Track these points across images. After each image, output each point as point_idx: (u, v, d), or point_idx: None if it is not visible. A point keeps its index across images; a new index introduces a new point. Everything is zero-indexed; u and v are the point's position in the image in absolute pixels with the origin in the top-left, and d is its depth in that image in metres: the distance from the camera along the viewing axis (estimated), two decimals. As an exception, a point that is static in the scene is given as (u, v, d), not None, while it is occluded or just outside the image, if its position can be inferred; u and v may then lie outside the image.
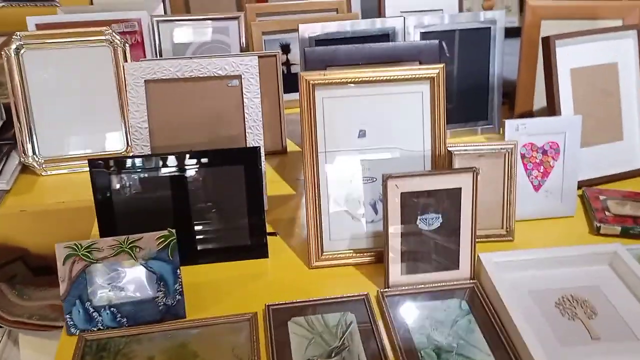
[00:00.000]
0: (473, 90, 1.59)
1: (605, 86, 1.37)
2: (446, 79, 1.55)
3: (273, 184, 1.41)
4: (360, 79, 1.09)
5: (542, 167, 1.24)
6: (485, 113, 1.61)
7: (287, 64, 1.75)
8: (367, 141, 1.12)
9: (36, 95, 1.42)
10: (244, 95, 1.27)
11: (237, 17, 1.65)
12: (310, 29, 1.44)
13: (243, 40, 1.66)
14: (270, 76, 1.51)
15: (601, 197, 1.28)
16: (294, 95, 1.27)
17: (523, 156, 1.23)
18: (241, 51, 1.66)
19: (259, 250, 1.15)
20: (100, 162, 1.08)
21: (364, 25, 1.47)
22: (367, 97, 1.11)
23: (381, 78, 1.09)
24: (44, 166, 1.45)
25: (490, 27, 1.54)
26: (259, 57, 1.47)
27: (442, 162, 1.14)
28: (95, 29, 1.40)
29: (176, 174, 1.10)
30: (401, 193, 1.03)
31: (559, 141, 1.23)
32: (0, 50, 1.39)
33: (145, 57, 1.64)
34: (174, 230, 0.99)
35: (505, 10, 2.02)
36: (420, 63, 1.28)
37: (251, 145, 1.28)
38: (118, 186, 1.09)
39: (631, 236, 1.18)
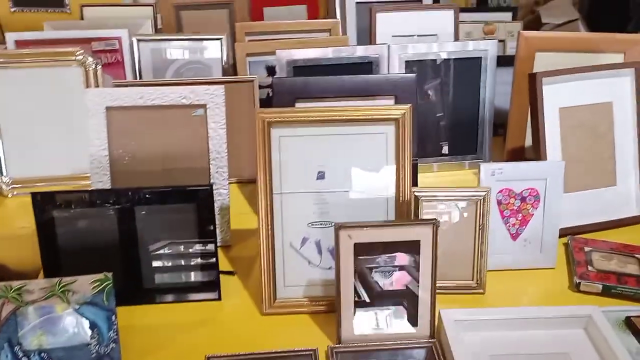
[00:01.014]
0: (462, 123, 1.51)
1: (597, 127, 1.28)
2: (434, 110, 1.49)
3: (242, 216, 1.35)
4: (319, 118, 1.02)
5: (520, 214, 1.15)
6: (475, 146, 1.53)
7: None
8: (326, 183, 1.05)
9: (5, 114, 1.39)
10: (209, 126, 1.22)
11: (219, 38, 1.60)
12: (289, 55, 1.38)
13: (224, 61, 1.60)
14: (248, 101, 1.46)
15: (586, 249, 1.19)
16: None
17: (499, 202, 1.15)
18: (223, 72, 1.61)
19: (210, 293, 1.09)
20: (43, 195, 1.04)
21: (345, 52, 1.41)
22: (327, 137, 1.04)
23: (342, 118, 1.03)
24: (10, 187, 1.41)
25: (480, 57, 1.45)
26: (237, 82, 1.43)
27: (407, 207, 1.07)
28: (67, 49, 1.36)
29: (125, 210, 1.05)
30: (355, 244, 0.96)
31: (538, 188, 1.14)
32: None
33: (125, 76, 1.60)
34: (110, 274, 0.93)
35: (508, 35, 1.94)
36: (396, 97, 1.22)
37: (214, 178, 1.23)
38: (63, 221, 1.04)
39: (613, 295, 1.09)
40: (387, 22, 1.67)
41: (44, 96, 1.39)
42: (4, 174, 1.41)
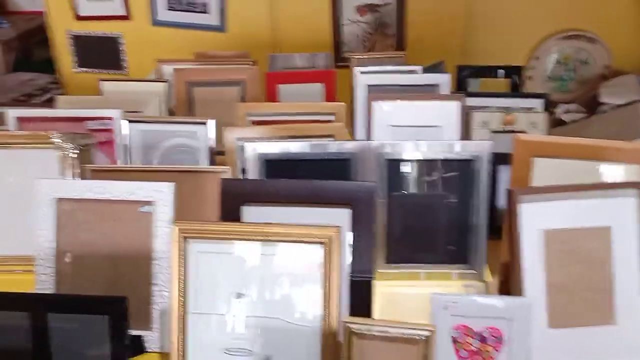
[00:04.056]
0: (452, 228, 1.35)
1: (592, 254, 1.09)
2: (421, 213, 1.36)
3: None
4: (241, 235, 0.94)
5: (480, 357, 0.98)
6: (466, 256, 1.36)
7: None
8: (245, 306, 0.95)
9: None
10: (154, 224, 1.16)
11: (205, 122, 1.57)
12: (259, 148, 1.31)
13: (212, 146, 1.57)
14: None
15: (564, 405, 0.99)
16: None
17: (455, 340, 0.99)
18: (210, 158, 1.57)
19: (121, 412, 1.01)
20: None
21: (319, 148, 1.32)
22: (249, 255, 0.94)
23: (266, 237, 0.93)
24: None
25: (472, 160, 1.31)
26: (209, 171, 1.38)
27: (334, 341, 0.94)
28: (42, 133, 1.38)
29: (37, 316, 1.00)
30: (253, 387, 0.84)
31: (502, 328, 0.97)
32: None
33: (114, 157, 1.60)
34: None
35: (530, 127, 1.76)
36: (352, 208, 1.11)
37: (157, 278, 1.16)
38: (-22, 321, 1.01)
39: None
40: (386, 111, 1.56)
41: (21, 177, 1.40)
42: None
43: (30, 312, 0.99)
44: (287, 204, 1.12)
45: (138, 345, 1.14)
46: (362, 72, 1.96)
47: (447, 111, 1.55)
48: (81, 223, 1.18)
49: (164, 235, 1.16)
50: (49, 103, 3.29)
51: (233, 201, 1.11)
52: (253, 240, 0.93)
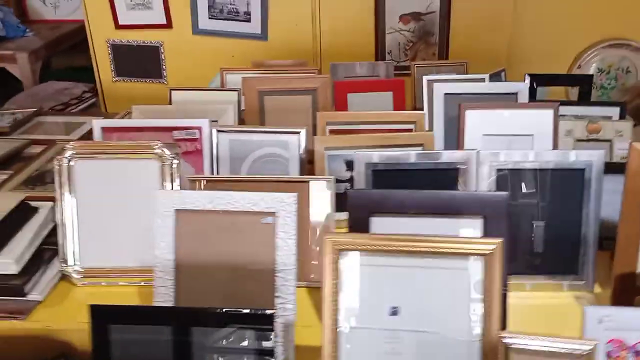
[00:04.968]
0: (562, 238, 1.34)
1: None
2: (528, 222, 1.34)
3: (309, 329, 1.23)
4: (395, 248, 0.92)
5: (633, 371, 0.96)
6: (576, 266, 1.34)
7: (352, 181, 1.61)
8: (400, 321, 0.93)
9: (84, 204, 1.39)
10: (277, 235, 1.14)
11: (298, 132, 1.55)
12: (368, 158, 1.30)
13: (302, 155, 1.55)
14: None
15: None
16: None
17: (609, 355, 0.97)
18: (301, 166, 1.55)
19: None
20: (101, 308, 0.99)
21: (429, 158, 1.30)
22: (403, 269, 0.93)
23: (421, 249, 0.91)
24: (82, 276, 1.40)
25: (584, 169, 1.29)
26: (309, 181, 1.37)
27: (493, 354, 0.92)
28: (145, 143, 1.36)
29: (180, 330, 0.98)
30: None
31: (658, 342, 0.95)
32: (55, 157, 1.39)
33: (202, 165, 1.58)
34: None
35: (616, 135, 1.75)
36: (485, 218, 1.09)
37: (280, 291, 1.14)
38: (118, 338, 0.99)
39: None
40: (478, 120, 1.55)
41: (123, 188, 1.38)
42: (77, 262, 1.40)
43: (174, 326, 0.97)
44: (414, 215, 1.10)
45: (263, 359, 1.12)
46: (430, 81, 1.95)
47: (541, 120, 1.53)
48: (201, 234, 1.16)
49: (287, 247, 1.14)
50: (87, 111, 3.27)
51: (361, 212, 1.09)
52: (409, 253, 0.92)
